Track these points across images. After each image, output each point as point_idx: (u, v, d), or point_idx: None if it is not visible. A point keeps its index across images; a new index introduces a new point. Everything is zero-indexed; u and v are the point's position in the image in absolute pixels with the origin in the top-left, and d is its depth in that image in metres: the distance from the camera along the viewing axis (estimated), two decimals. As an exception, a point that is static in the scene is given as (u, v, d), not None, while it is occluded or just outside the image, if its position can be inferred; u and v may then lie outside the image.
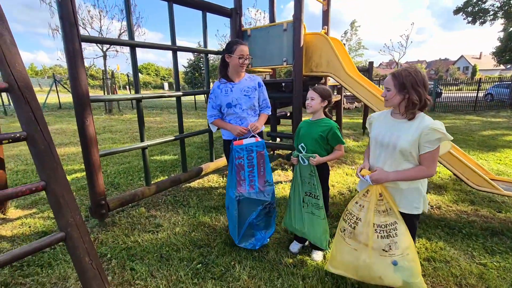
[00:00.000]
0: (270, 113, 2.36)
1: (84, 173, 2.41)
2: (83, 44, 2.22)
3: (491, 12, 16.30)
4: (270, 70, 5.16)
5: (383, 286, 1.55)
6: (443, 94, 13.51)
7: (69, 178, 3.81)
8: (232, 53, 2.02)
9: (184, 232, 2.41)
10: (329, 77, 4.08)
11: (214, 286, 1.77)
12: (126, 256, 2.07)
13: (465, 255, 2.07)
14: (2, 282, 1.80)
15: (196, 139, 6.40)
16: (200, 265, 1.97)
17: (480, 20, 16.88)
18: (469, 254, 2.08)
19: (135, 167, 4.31)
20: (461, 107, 12.39)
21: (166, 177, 3.68)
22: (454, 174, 2.57)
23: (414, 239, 1.53)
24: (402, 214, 1.48)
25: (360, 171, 1.56)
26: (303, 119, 2.67)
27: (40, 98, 10.56)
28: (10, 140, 1.43)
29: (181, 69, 28.56)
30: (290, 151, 4.27)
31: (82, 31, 9.32)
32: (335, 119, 5.25)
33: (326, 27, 4.18)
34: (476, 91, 12.47)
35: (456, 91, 13.10)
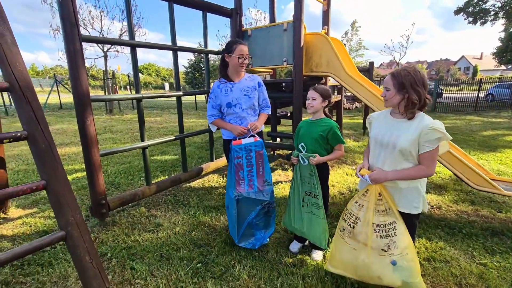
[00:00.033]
0: (270, 113, 2.36)
1: (85, 173, 2.42)
2: (84, 44, 2.23)
3: (492, 13, 16.29)
4: (271, 70, 5.16)
5: (383, 286, 1.55)
6: (443, 95, 13.50)
7: (69, 177, 3.82)
8: (232, 53, 2.02)
9: (184, 231, 2.41)
10: (329, 77, 4.08)
11: (214, 286, 1.77)
12: (126, 256, 2.08)
13: (465, 255, 2.07)
14: (3, 281, 1.80)
15: (196, 139, 6.41)
16: (200, 264, 1.97)
17: (481, 21, 16.87)
18: (469, 254, 2.08)
19: (135, 167, 4.32)
20: (462, 108, 12.38)
21: (167, 177, 3.69)
22: (455, 174, 2.57)
23: (413, 239, 1.53)
24: (402, 213, 1.48)
25: (359, 171, 1.56)
26: (303, 119, 2.67)
27: (41, 98, 10.59)
28: (11, 140, 1.44)
29: (181, 69, 28.61)
30: (290, 151, 4.28)
31: (83, 32, 9.34)
32: (335, 119, 5.26)
33: (326, 27, 4.18)
34: (477, 92, 12.46)
35: (457, 92, 13.09)
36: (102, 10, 12.89)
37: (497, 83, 14.21)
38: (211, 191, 3.35)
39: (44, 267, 1.95)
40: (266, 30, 3.67)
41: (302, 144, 1.94)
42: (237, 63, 2.04)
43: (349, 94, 5.07)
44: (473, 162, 2.79)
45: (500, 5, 15.82)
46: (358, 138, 6.37)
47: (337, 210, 2.77)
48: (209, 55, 3.71)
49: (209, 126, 2.40)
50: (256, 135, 2.06)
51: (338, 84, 3.65)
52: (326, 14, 4.25)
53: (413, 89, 1.35)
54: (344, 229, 1.59)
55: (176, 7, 3.01)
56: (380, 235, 1.43)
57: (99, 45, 12.83)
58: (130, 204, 2.90)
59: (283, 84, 4.06)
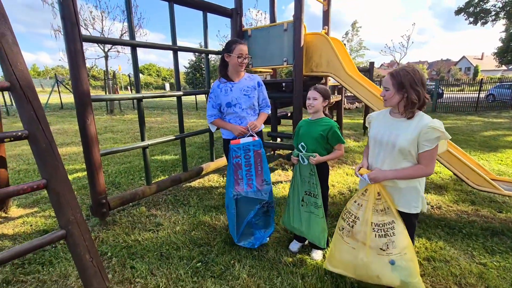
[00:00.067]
0: (269, 112, 2.37)
1: (85, 172, 2.42)
2: (85, 45, 2.24)
3: (493, 13, 16.26)
4: (271, 70, 5.18)
5: (382, 285, 1.55)
6: (444, 95, 13.49)
7: (70, 177, 3.84)
8: (231, 53, 2.03)
9: (184, 231, 2.42)
10: (329, 77, 4.09)
11: (213, 285, 1.77)
12: (127, 255, 2.08)
13: (465, 254, 2.07)
14: (3, 280, 1.81)
15: (197, 139, 6.42)
16: (200, 263, 1.98)
17: (482, 21, 16.84)
18: (469, 254, 2.07)
19: (136, 166, 4.33)
20: (463, 108, 12.37)
21: (167, 176, 3.69)
22: (455, 174, 2.57)
23: (413, 238, 1.53)
24: (401, 213, 1.48)
25: (358, 170, 1.57)
26: (303, 119, 2.67)
27: (42, 98, 10.62)
28: (12, 139, 1.45)
29: (182, 69, 28.64)
30: (290, 151, 4.28)
31: (84, 32, 9.36)
32: (335, 119, 5.26)
33: (327, 27, 4.19)
34: (477, 92, 12.44)
35: (457, 92, 13.08)
36: (103, 11, 12.93)
37: (497, 84, 14.19)
38: (211, 190, 3.35)
39: (44, 266, 1.96)
40: (266, 30, 3.68)
41: (302, 143, 1.95)
42: (237, 62, 2.04)
43: (349, 94, 5.08)
44: (473, 162, 2.79)
45: (501, 5, 15.80)
46: (358, 138, 6.37)
47: (337, 210, 2.77)
48: (210, 55, 3.72)
49: (209, 126, 2.41)
50: (255, 135, 2.07)
51: (338, 84, 3.66)
52: (326, 14, 4.26)
53: (413, 89, 1.36)
54: (343, 228, 1.59)
55: (177, 7, 3.02)
56: (379, 235, 1.44)
57: (100, 45, 12.87)
58: (131, 203, 2.91)
59: (283, 84, 4.06)
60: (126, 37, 12.64)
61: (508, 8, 15.42)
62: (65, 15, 2.04)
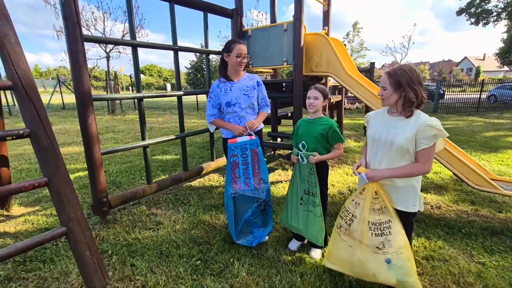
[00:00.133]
0: (269, 112, 2.38)
1: (87, 172, 2.45)
2: (87, 45, 2.26)
3: (494, 13, 16.23)
4: (271, 71, 5.19)
5: (380, 284, 1.56)
6: (445, 96, 13.46)
7: (72, 176, 3.86)
8: (230, 52, 2.05)
9: (184, 229, 2.43)
10: (329, 77, 4.10)
11: (213, 282, 1.79)
12: (127, 253, 2.10)
13: (464, 254, 2.07)
14: (5, 277, 1.83)
15: (197, 139, 6.44)
16: (200, 261, 1.99)
17: (483, 21, 16.81)
18: (468, 253, 2.08)
19: (136, 166, 4.35)
20: (464, 108, 12.34)
21: (167, 176, 3.71)
22: (454, 174, 2.57)
23: (410, 236, 1.54)
24: (399, 212, 1.49)
25: (356, 169, 1.58)
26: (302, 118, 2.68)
27: (44, 98, 10.68)
28: (14, 137, 1.47)
29: (183, 70, 28.72)
30: (290, 151, 4.29)
31: (86, 33, 9.41)
32: (336, 120, 5.27)
33: (327, 27, 4.20)
34: (479, 93, 12.41)
35: (459, 93, 13.05)
36: (105, 12, 13.00)
37: (499, 84, 14.15)
38: (211, 190, 3.37)
39: (45, 263, 1.98)
40: (266, 31, 3.69)
41: (303, 142, 1.95)
42: (236, 62, 2.06)
43: (350, 94, 5.09)
44: (473, 162, 2.79)
45: (502, 6, 15.77)
46: (358, 138, 6.37)
47: (336, 209, 2.78)
48: (211, 55, 3.73)
49: (208, 126, 2.42)
50: (253, 134, 2.08)
51: (339, 84, 3.67)
52: (326, 15, 4.27)
53: (410, 88, 1.37)
54: (341, 226, 1.60)
55: (178, 8, 3.05)
56: (375, 233, 1.45)
57: (101, 46, 12.95)
58: (131, 202, 2.92)
59: (284, 84, 4.08)
60: (127, 38, 12.70)
61: (510, 8, 15.39)
62: (67, 15, 2.06)
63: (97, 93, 2.69)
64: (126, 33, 13.12)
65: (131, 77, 17.15)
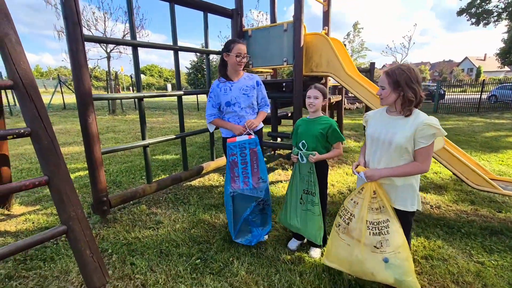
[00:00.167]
0: (268, 112, 2.39)
1: (87, 171, 2.46)
2: (88, 45, 2.28)
3: (495, 14, 16.22)
4: (271, 71, 5.20)
5: (379, 283, 1.57)
6: (446, 96, 13.46)
7: (72, 176, 3.87)
8: (230, 52, 2.06)
9: (184, 229, 2.44)
10: (329, 77, 4.11)
11: (212, 281, 1.79)
12: (127, 252, 2.11)
13: (463, 253, 2.07)
14: (6, 275, 1.84)
15: (198, 139, 6.45)
16: (199, 260, 2.00)
17: (484, 22, 16.80)
18: (467, 253, 2.08)
19: (137, 166, 4.36)
20: (465, 109, 12.33)
21: (168, 175, 3.72)
22: (454, 174, 2.58)
23: (409, 235, 1.55)
24: (398, 211, 1.50)
25: (355, 168, 1.59)
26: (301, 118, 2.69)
27: (45, 99, 10.71)
28: (15, 136, 1.48)
29: (184, 70, 28.76)
30: (290, 151, 4.30)
31: (87, 33, 9.43)
32: (336, 120, 5.27)
33: (327, 27, 4.21)
34: (479, 93, 12.40)
35: (460, 93, 13.04)
36: (106, 12, 13.03)
37: (500, 84, 14.13)
38: (211, 189, 3.38)
39: (46, 262, 1.99)
40: (266, 31, 3.70)
41: (303, 141, 1.96)
42: (235, 61, 2.07)
43: (350, 94, 5.09)
44: (473, 162, 2.79)
45: (503, 6, 15.76)
46: (358, 138, 6.37)
47: (336, 209, 2.78)
48: (211, 56, 3.74)
49: (207, 126, 2.43)
50: (252, 133, 2.09)
51: (339, 84, 3.67)
52: (326, 15, 4.28)
53: (409, 87, 1.37)
54: (339, 225, 1.61)
55: (178, 8, 3.06)
56: (373, 233, 1.45)
57: (102, 46, 12.97)
58: (131, 201, 2.93)
59: (284, 84, 4.08)
60: (128, 38, 12.71)
61: (510, 9, 15.37)
62: (67, 15, 2.08)
63: (97, 93, 2.69)
64: (126, 33, 13.14)
65: (131, 77, 17.19)
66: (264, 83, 2.87)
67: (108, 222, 2.55)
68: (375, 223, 1.45)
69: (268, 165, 4.35)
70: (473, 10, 16.64)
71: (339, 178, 3.74)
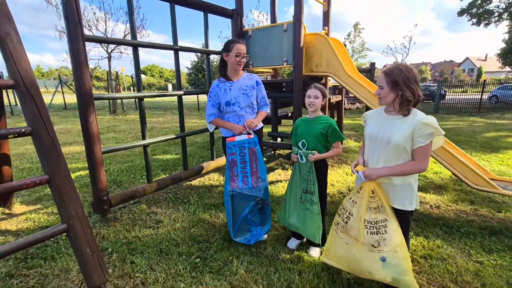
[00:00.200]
0: (268, 111, 2.39)
1: (88, 171, 2.47)
2: (89, 46, 2.29)
3: (496, 14, 16.20)
4: (271, 71, 5.21)
5: (379, 282, 1.57)
6: (447, 96, 13.45)
7: (73, 175, 3.88)
8: (230, 52, 2.07)
9: (184, 228, 2.45)
10: (329, 77, 4.11)
11: (212, 280, 1.80)
12: (127, 250, 2.12)
13: (462, 253, 2.08)
14: (7, 273, 1.85)
15: (198, 139, 6.46)
16: (199, 259, 2.01)
17: (485, 22, 16.78)
18: (466, 252, 2.08)
19: (137, 165, 4.37)
20: (465, 109, 12.32)
21: (168, 175, 3.73)
22: (453, 174, 2.58)
23: (407, 235, 1.55)
24: (396, 210, 1.50)
25: (355, 167, 1.59)
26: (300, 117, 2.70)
27: (46, 99, 10.71)
28: (16, 135, 1.49)
29: (184, 70, 28.80)
30: (290, 151, 4.31)
31: (88, 33, 9.45)
32: (336, 120, 5.27)
33: (327, 27, 4.22)
34: (480, 93, 12.39)
35: (461, 93, 13.03)
36: (107, 12, 13.06)
37: (501, 85, 14.11)
38: (211, 189, 3.39)
39: (46, 261, 2.00)
40: (266, 31, 3.71)
41: (303, 141, 1.96)
42: (235, 61, 2.08)
43: (350, 95, 5.10)
44: (472, 162, 2.80)
45: (504, 6, 15.74)
46: (359, 138, 6.37)
47: (335, 209, 2.78)
48: (212, 56, 3.76)
49: (207, 126, 2.44)
50: (252, 132, 2.10)
51: (339, 84, 3.68)
52: (326, 15, 4.29)
53: (407, 86, 1.38)
54: (338, 224, 1.62)
55: (179, 8, 3.07)
56: (371, 232, 1.46)
57: (103, 46, 13.00)
58: (131, 201, 2.94)
59: (284, 84, 4.09)
60: (129, 38, 12.73)
61: (511, 9, 15.35)
62: (68, 15, 2.09)
63: (98, 93, 2.71)
64: (127, 34, 13.17)
65: (132, 78, 17.23)
66: (264, 83, 2.88)
67: (109, 221, 2.57)
68: (373, 222, 1.46)
69: (268, 165, 4.36)
70: (474, 10, 16.63)
71: (339, 178, 3.75)
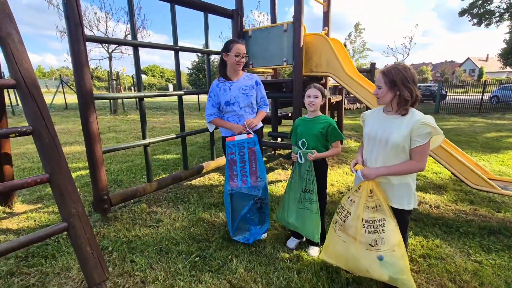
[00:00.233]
0: (267, 111, 2.40)
1: (88, 171, 2.48)
2: (90, 46, 2.31)
3: (497, 14, 16.17)
4: (272, 71, 5.22)
5: (376, 280, 1.58)
6: (447, 96, 13.44)
7: (73, 175, 3.90)
8: (229, 52, 2.08)
9: (184, 227, 2.46)
10: (329, 77, 4.12)
11: (211, 278, 1.81)
12: (127, 249, 2.13)
13: (461, 252, 2.08)
14: (8, 272, 1.87)
15: (198, 139, 6.48)
16: (198, 258, 2.02)
17: (486, 22, 16.76)
18: (465, 252, 2.09)
19: (137, 165, 4.39)
20: (466, 109, 12.31)
21: (168, 174, 3.74)
22: (453, 174, 2.58)
23: (406, 234, 1.56)
24: (394, 209, 1.51)
25: (354, 166, 1.60)
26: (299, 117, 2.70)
27: (47, 99, 10.75)
28: (17, 134, 1.50)
29: (185, 70, 28.85)
30: (290, 151, 4.32)
31: (89, 33, 9.47)
32: (336, 120, 5.28)
33: (327, 28, 4.22)
34: (481, 93, 12.38)
35: (462, 94, 13.02)
36: (107, 12, 13.09)
37: (502, 85, 14.09)
38: (211, 188, 3.40)
39: (47, 259, 2.01)
40: (266, 31, 3.72)
41: (304, 140, 1.97)
42: (234, 61, 2.09)
43: (351, 95, 5.10)
44: (472, 162, 2.80)
45: (505, 6, 15.71)
46: (359, 138, 6.38)
47: (335, 208, 2.78)
48: (213, 56, 3.77)
49: (207, 126, 2.45)
50: (251, 132, 2.11)
51: (339, 84, 3.68)
52: (326, 15, 4.29)
53: (405, 86, 1.39)
54: (336, 222, 1.63)
55: (179, 9, 3.09)
56: (368, 231, 1.47)
57: (104, 46, 13.03)
58: (132, 200, 2.96)
59: (283, 84, 4.10)
60: (129, 38, 12.75)
61: (512, 9, 15.33)
62: (69, 15, 2.10)
63: (99, 93, 2.72)
64: (128, 34, 13.20)
65: (133, 78, 17.26)
66: (264, 83, 2.89)
67: (109, 221, 2.58)
68: (371, 222, 1.47)
69: (268, 165, 4.37)
70: (475, 10, 16.61)
71: (338, 177, 3.76)
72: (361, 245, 1.49)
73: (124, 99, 14.13)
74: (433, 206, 2.89)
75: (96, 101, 2.38)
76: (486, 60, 49.98)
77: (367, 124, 1.64)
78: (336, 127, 1.91)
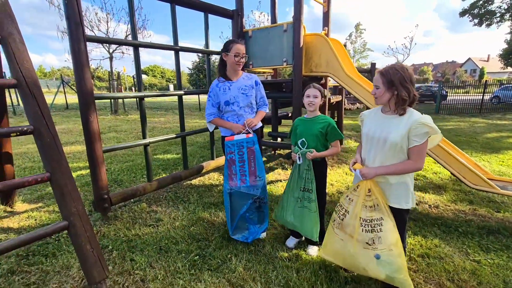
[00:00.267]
0: (267, 111, 2.41)
1: (89, 170, 2.50)
2: (90, 46, 2.32)
3: (498, 14, 16.16)
4: (272, 71, 5.23)
5: (375, 279, 1.59)
6: (448, 97, 13.43)
7: (74, 174, 3.92)
8: (229, 52, 2.10)
9: (184, 226, 2.47)
10: (328, 77, 4.13)
11: (210, 277, 1.82)
12: (127, 248, 2.14)
13: (460, 252, 2.09)
14: (8, 270, 1.88)
15: (199, 139, 6.49)
16: (198, 257, 2.03)
17: (487, 22, 16.75)
18: (463, 251, 2.09)
19: (138, 165, 4.40)
20: (467, 110, 12.30)
21: (168, 174, 3.76)
22: (452, 174, 2.59)
23: (404, 233, 1.57)
24: (392, 208, 1.52)
25: (353, 165, 1.61)
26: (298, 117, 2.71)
27: (48, 99, 10.79)
28: (18, 133, 1.51)
29: (185, 71, 28.89)
30: (290, 150, 4.33)
31: (90, 33, 9.50)
32: (336, 120, 5.29)
33: (327, 28, 4.23)
34: (482, 94, 12.37)
35: (463, 94, 13.01)
36: (108, 13, 13.12)
37: (503, 86, 14.07)
38: (211, 188, 3.41)
39: (48, 258, 2.03)
40: (266, 31, 3.73)
41: (303, 139, 1.98)
42: (234, 61, 2.10)
43: (351, 95, 5.11)
44: (471, 162, 2.80)
45: (506, 7, 15.70)
46: (359, 138, 6.38)
47: (334, 208, 2.80)
48: (213, 57, 3.78)
49: (207, 125, 2.46)
50: (251, 131, 2.12)
51: (338, 84, 3.69)
52: (326, 16, 4.30)
53: (402, 86, 1.40)
54: (334, 220, 1.64)
55: (180, 9, 3.10)
56: (366, 230, 1.48)
57: (105, 46, 13.07)
58: (132, 199, 2.97)
59: (283, 84, 4.11)
60: (130, 38, 12.76)
61: (513, 9, 15.31)
62: (70, 15, 2.12)
63: (99, 93, 2.73)
64: (129, 34, 13.24)
65: (134, 78, 17.29)
66: (264, 83, 2.90)
67: (109, 220, 2.59)
68: (368, 221, 1.48)
69: (268, 165, 4.38)
70: (475, 11, 16.61)
71: (338, 177, 3.76)
72: (359, 243, 1.50)
73: (124, 99, 14.16)
74: (432, 206, 2.89)
75: (96, 101, 2.39)
76: (487, 61, 49.91)
77: (365, 124, 1.65)
78: (336, 126, 1.92)
